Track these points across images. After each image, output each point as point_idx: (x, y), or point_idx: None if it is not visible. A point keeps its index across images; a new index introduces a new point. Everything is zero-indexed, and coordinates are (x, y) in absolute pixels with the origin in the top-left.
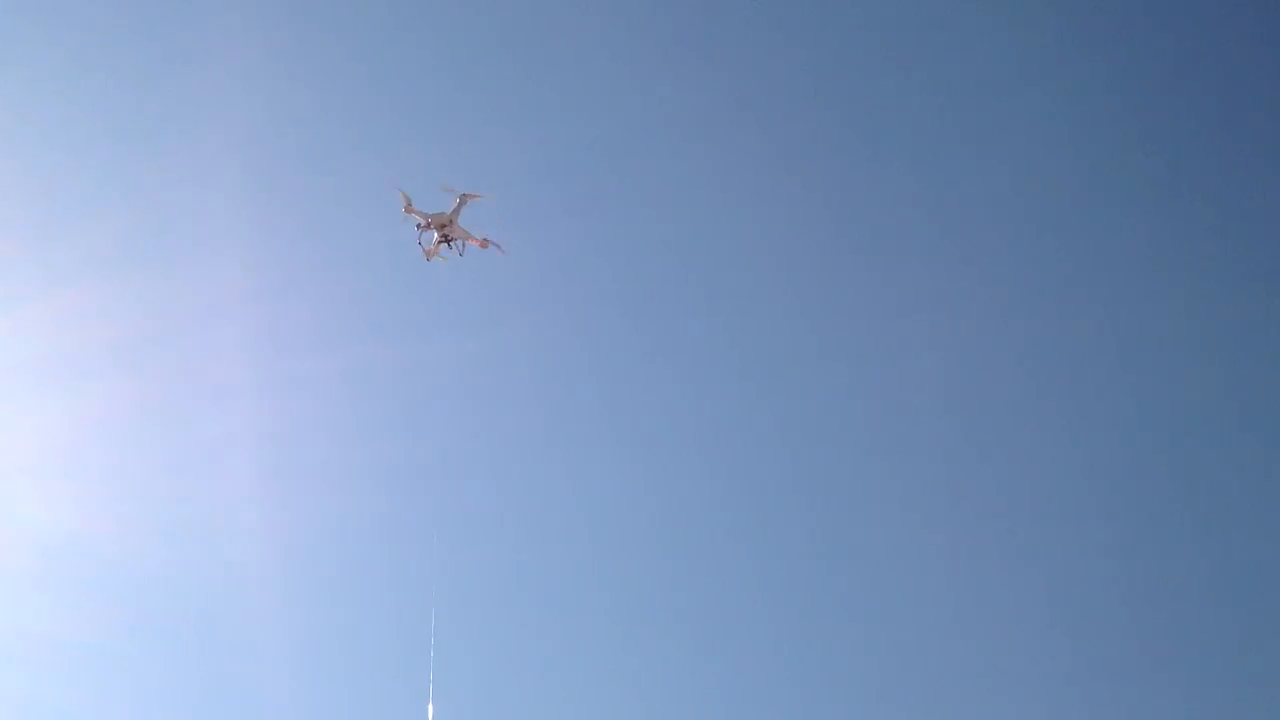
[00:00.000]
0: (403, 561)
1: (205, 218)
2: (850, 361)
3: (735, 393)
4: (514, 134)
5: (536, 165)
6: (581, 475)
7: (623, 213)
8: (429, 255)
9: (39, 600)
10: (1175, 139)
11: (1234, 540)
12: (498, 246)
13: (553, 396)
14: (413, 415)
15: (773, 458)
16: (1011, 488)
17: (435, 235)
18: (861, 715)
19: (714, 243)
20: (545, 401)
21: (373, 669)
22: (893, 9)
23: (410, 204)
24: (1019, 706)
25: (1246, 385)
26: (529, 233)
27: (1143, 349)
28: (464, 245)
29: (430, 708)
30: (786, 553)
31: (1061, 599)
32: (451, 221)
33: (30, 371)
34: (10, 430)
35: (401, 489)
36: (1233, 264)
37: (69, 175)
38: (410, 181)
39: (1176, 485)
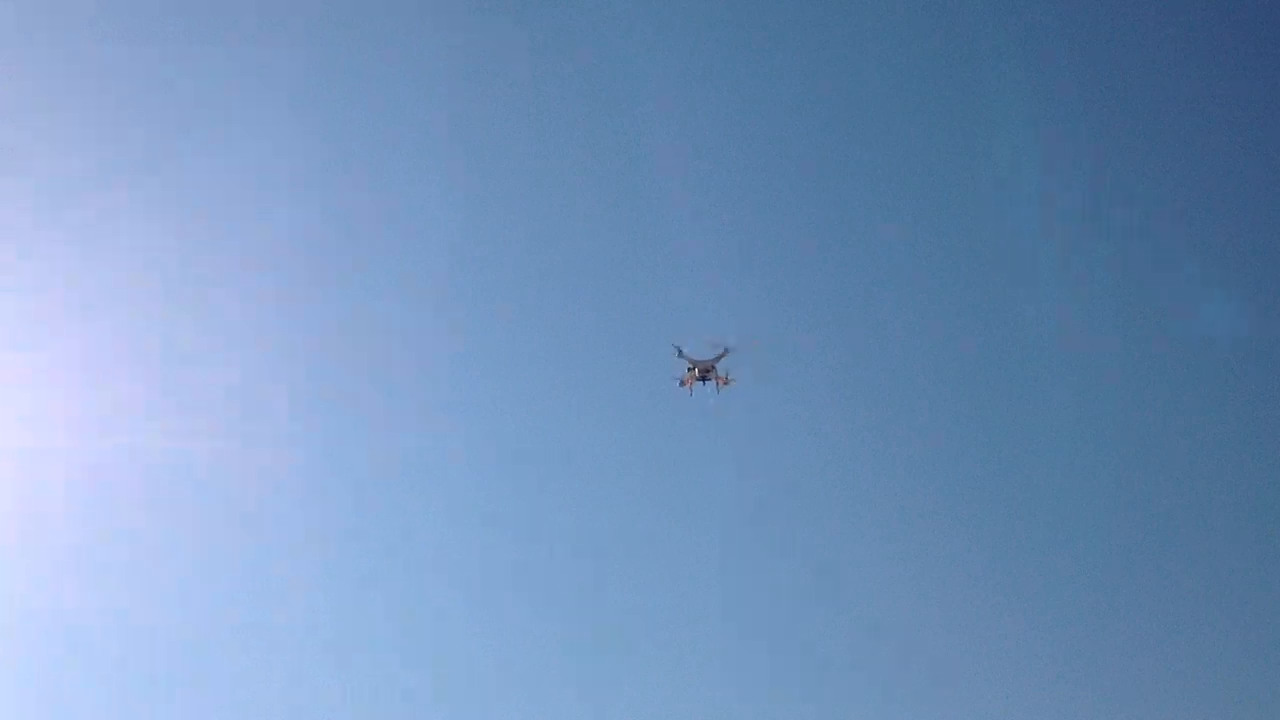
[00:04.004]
0: None
1: None
2: None
3: None
4: None
5: None
6: None
7: None
8: (688, 386)
9: None
10: None
11: None
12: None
13: None
14: None
15: None
16: None
17: (695, 372)
18: None
19: None
20: None
21: None
22: None
23: (682, 350)
24: None
25: None
26: None
27: None
28: (718, 385)
29: None
30: None
31: None
32: (713, 368)
33: None
34: None
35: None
36: None
37: None
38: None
39: None
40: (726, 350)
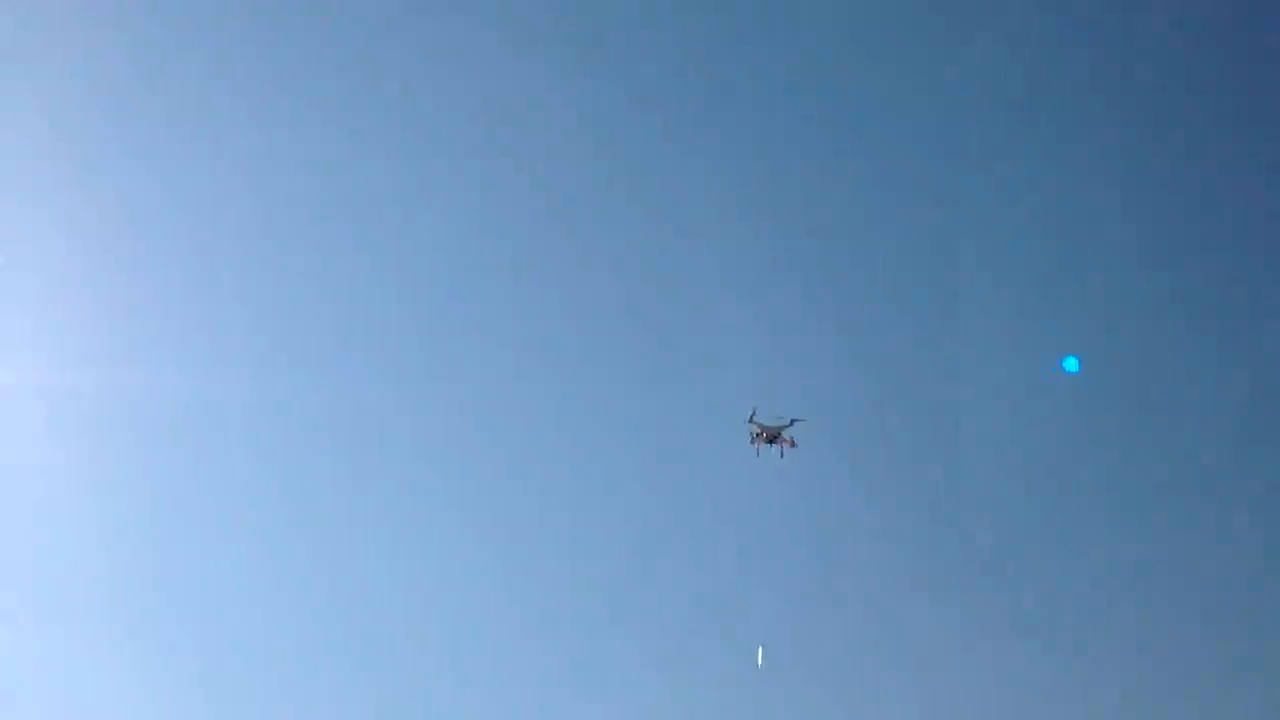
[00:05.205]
0: None
1: None
2: None
3: None
4: None
5: None
6: None
7: None
8: (755, 447)
9: None
10: None
11: None
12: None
13: None
14: None
15: None
16: None
17: (764, 436)
18: None
19: None
20: None
21: None
22: None
23: (754, 416)
24: None
25: None
26: None
27: None
28: (784, 449)
29: None
30: None
31: None
32: (779, 434)
33: None
34: None
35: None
36: None
37: None
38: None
39: None
40: (793, 421)
